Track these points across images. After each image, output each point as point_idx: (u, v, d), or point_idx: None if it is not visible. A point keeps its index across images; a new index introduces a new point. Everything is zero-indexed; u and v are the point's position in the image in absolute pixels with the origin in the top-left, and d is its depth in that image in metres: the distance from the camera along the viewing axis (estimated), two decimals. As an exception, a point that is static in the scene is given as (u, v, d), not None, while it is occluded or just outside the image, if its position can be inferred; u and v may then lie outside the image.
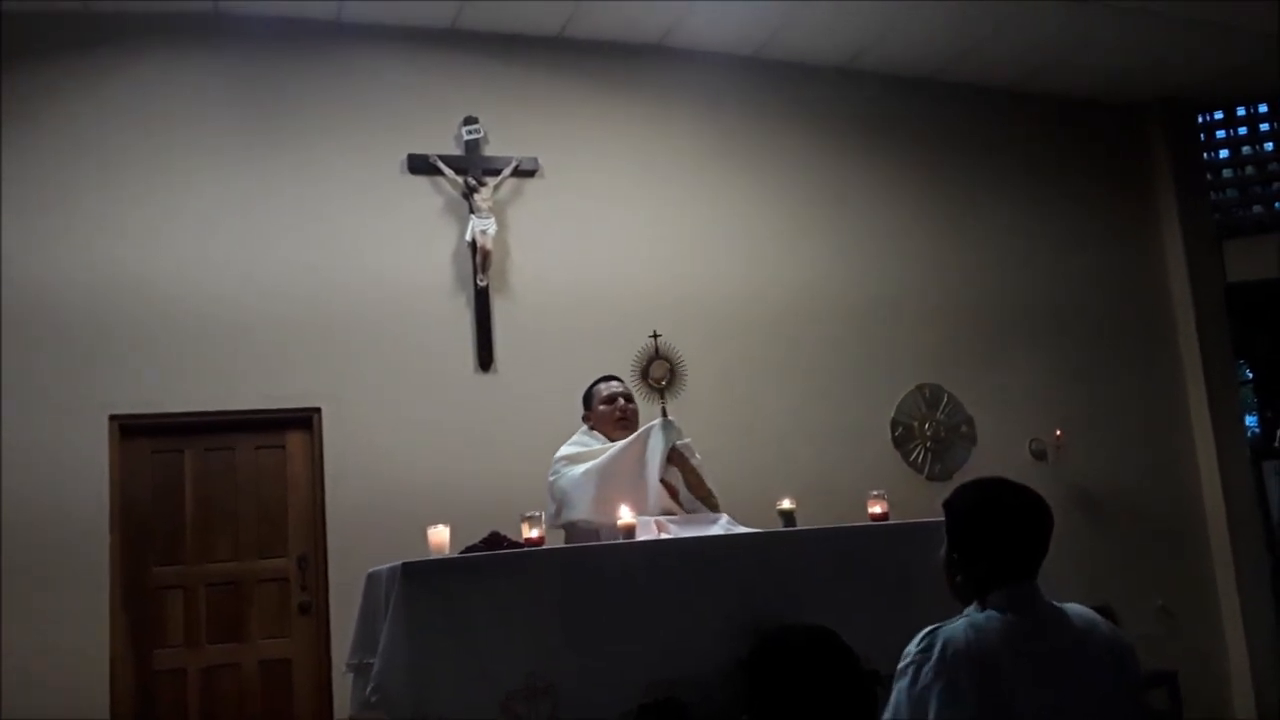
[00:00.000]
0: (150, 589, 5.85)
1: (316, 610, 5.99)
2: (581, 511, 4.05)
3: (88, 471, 5.71)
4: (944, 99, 7.76)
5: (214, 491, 6.05)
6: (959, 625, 2.36)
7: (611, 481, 4.04)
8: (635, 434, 4.18)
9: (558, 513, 4.16)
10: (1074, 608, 2.49)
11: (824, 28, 6.99)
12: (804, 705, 2.61)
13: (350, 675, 3.64)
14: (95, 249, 5.92)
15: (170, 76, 6.23)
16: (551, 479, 4.25)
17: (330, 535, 6.02)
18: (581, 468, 4.17)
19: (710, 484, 4.23)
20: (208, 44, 6.31)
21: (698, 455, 4.27)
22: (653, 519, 3.93)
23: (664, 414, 4.18)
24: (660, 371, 4.30)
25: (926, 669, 2.30)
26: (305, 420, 6.16)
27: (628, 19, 6.78)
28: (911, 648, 2.37)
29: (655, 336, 4.35)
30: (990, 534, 2.45)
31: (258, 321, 6.11)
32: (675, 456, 4.15)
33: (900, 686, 2.33)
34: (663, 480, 4.09)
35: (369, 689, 3.17)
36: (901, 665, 2.36)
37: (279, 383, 6.09)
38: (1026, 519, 2.46)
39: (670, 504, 4.13)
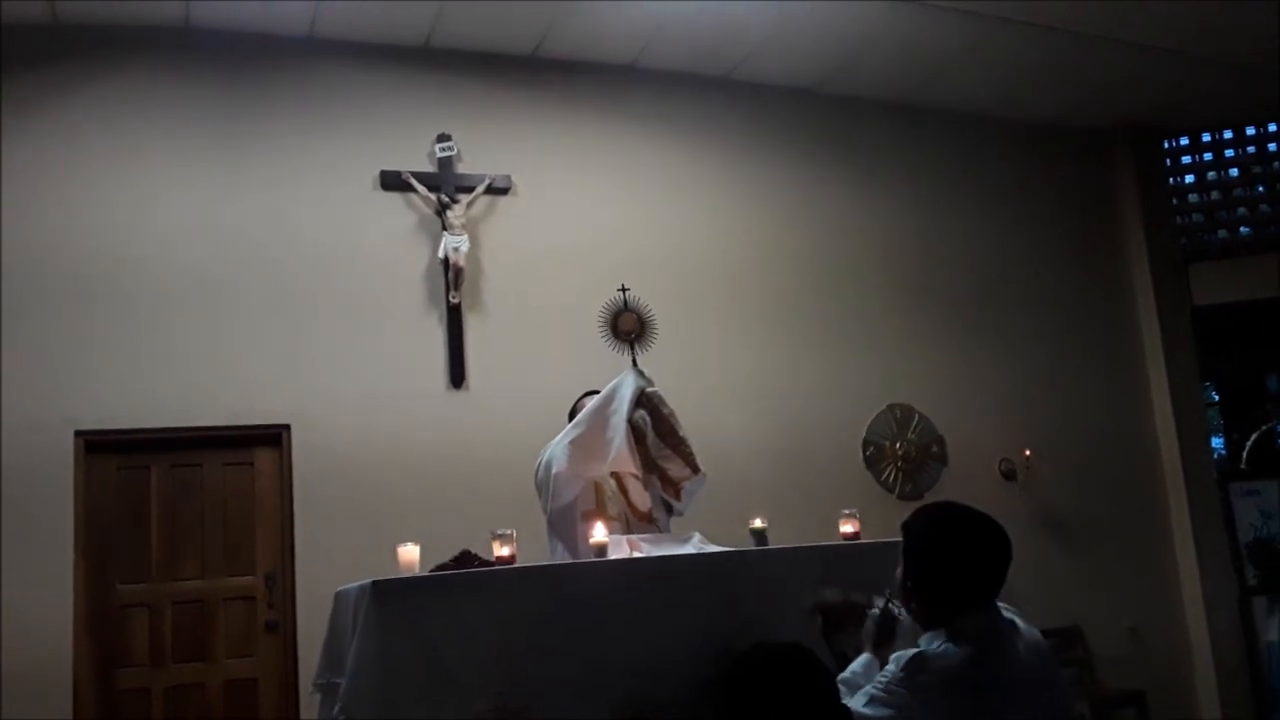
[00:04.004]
0: (115, 607, 5.77)
1: (284, 629, 5.92)
2: (559, 465, 4.07)
3: (52, 487, 5.64)
4: (913, 124, 7.83)
5: (181, 509, 5.98)
6: (939, 653, 2.35)
7: (586, 432, 4.13)
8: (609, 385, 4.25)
9: (551, 497, 4.16)
10: (1010, 612, 2.51)
11: (795, 52, 7.04)
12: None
13: (317, 695, 3.60)
14: (62, 261, 5.86)
15: (142, 90, 6.19)
16: (536, 468, 4.27)
17: (299, 553, 5.96)
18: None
19: (683, 434, 4.24)
20: (180, 58, 6.28)
21: (669, 405, 4.28)
22: (625, 538, 3.92)
23: (634, 364, 4.21)
24: (629, 324, 4.33)
25: (912, 697, 2.29)
26: (274, 437, 6.11)
27: (601, 40, 6.81)
28: (894, 669, 2.35)
29: (623, 290, 4.37)
30: (946, 564, 2.44)
31: (227, 337, 6.06)
32: (646, 402, 4.16)
33: (883, 713, 2.32)
34: (630, 421, 4.10)
35: (336, 709, 3.13)
36: (881, 682, 2.35)
37: (248, 399, 6.04)
38: (983, 549, 2.46)
39: (629, 463, 4.14)
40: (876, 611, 2.96)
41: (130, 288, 5.96)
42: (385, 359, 6.32)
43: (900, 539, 2.59)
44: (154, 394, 5.88)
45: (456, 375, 6.43)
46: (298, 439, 6.10)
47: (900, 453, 7.32)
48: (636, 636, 3.27)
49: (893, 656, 2.44)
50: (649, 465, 4.25)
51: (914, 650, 2.40)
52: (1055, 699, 2.44)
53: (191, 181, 6.17)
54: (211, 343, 6.03)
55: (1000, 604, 2.51)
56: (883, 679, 2.38)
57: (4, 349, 5.67)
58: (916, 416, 7.44)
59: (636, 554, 3.79)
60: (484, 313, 6.57)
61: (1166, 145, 8.54)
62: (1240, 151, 8.57)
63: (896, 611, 2.89)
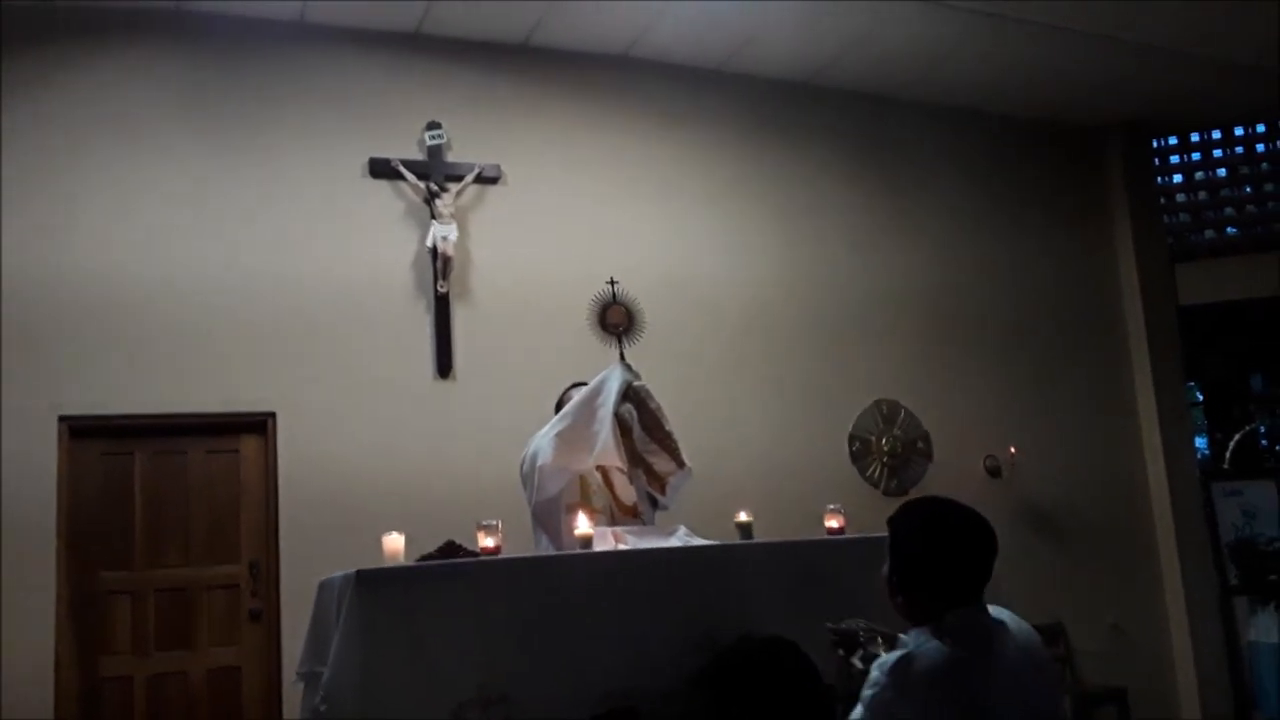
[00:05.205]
0: (97, 594, 5.73)
1: (267, 618, 5.90)
2: (545, 458, 4.07)
3: (35, 473, 5.60)
4: (905, 117, 7.84)
5: (165, 496, 5.95)
6: (924, 651, 2.35)
7: (572, 425, 4.14)
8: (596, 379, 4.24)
9: (535, 489, 4.16)
10: (1002, 614, 2.51)
11: (789, 44, 7.03)
12: (764, 716, 2.61)
13: (300, 684, 3.60)
14: (48, 247, 5.81)
15: (130, 74, 6.14)
16: (522, 459, 4.26)
17: (283, 542, 5.94)
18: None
19: (669, 428, 4.24)
20: (170, 42, 6.23)
21: (655, 399, 4.28)
22: (610, 530, 3.92)
23: (621, 357, 4.22)
24: (617, 317, 4.35)
25: (900, 698, 2.29)
26: (259, 424, 6.09)
27: (594, 29, 6.79)
28: (879, 674, 2.35)
29: (612, 283, 4.36)
30: (933, 560, 2.44)
31: (213, 324, 6.03)
32: (632, 395, 4.16)
33: (868, 716, 2.32)
34: (616, 415, 4.11)
35: (319, 698, 3.12)
36: (870, 692, 2.35)
37: (233, 386, 6.01)
38: (970, 544, 2.46)
39: (614, 457, 4.13)
40: (858, 664, 2.92)
41: (116, 273, 5.91)
42: (372, 348, 6.30)
43: (886, 535, 2.59)
44: (139, 380, 5.85)
45: (443, 365, 6.41)
46: (283, 427, 6.07)
47: (886, 448, 7.34)
48: (621, 628, 3.27)
49: (876, 663, 2.42)
50: (634, 459, 4.26)
51: (898, 653, 2.39)
52: (1044, 699, 2.44)
53: (179, 166, 6.12)
54: (197, 329, 6.00)
55: (990, 605, 2.50)
56: (869, 690, 2.37)
57: (-12, 333, 5.64)
58: (902, 412, 7.45)
59: (621, 546, 3.79)
60: (472, 303, 6.55)
61: (1155, 144, 8.57)
62: (1228, 152, 8.61)
63: (874, 651, 2.87)
